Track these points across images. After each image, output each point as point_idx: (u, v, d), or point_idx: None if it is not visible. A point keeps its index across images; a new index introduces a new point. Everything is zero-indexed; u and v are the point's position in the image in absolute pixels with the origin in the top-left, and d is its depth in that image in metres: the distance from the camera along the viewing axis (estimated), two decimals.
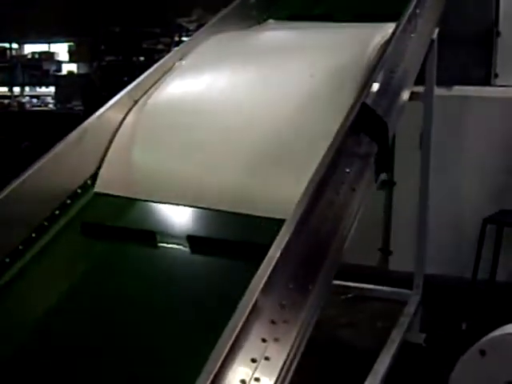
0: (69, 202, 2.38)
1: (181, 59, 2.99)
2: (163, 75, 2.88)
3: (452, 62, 4.57)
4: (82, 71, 11.26)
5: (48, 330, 1.93)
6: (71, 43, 11.32)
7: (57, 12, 10.51)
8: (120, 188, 2.45)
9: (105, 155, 2.55)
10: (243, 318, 1.46)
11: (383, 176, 3.43)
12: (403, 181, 4.74)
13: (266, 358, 1.47)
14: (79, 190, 2.43)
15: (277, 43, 3.16)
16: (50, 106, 10.51)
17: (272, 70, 2.78)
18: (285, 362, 1.49)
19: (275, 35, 3.31)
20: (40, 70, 11.51)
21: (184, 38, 9.05)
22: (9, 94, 11.59)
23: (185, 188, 2.39)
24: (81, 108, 9.43)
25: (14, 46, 11.86)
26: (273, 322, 1.55)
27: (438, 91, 4.11)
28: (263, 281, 1.56)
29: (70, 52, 11.42)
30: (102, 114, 2.58)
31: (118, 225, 2.34)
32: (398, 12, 2.83)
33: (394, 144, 4.34)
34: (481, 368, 2.42)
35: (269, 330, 1.52)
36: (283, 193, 2.19)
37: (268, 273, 1.58)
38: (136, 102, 2.73)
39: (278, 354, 1.49)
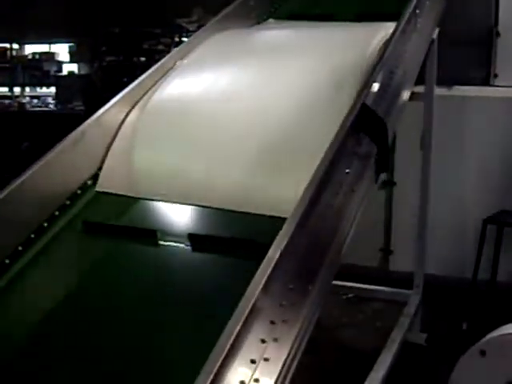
0: (70, 201, 2.39)
1: (182, 58, 3.00)
2: (164, 75, 2.88)
3: (452, 62, 4.57)
4: (82, 71, 11.26)
5: (51, 327, 1.94)
6: (72, 44, 11.32)
7: (57, 12, 10.51)
8: (121, 187, 2.46)
9: (106, 154, 2.56)
10: (242, 319, 1.46)
11: (384, 176, 3.42)
12: (404, 181, 4.74)
13: (266, 359, 1.47)
14: (80, 189, 2.44)
15: (277, 43, 3.16)
16: (51, 106, 10.49)
17: (272, 69, 2.79)
18: (284, 363, 1.49)
19: (275, 34, 3.32)
20: (40, 70, 11.51)
21: (184, 39, 9.05)
22: (9, 94, 11.59)
23: (186, 187, 2.40)
24: (81, 108, 9.41)
25: (15, 46, 11.85)
26: (272, 323, 1.55)
27: (439, 91, 4.10)
28: (263, 281, 1.56)
29: (70, 52, 11.43)
30: (103, 114, 2.58)
31: (119, 223, 2.35)
32: (398, 12, 2.83)
33: (394, 144, 4.34)
34: (481, 368, 2.42)
35: (268, 331, 1.52)
36: (284, 191, 2.20)
37: (267, 273, 1.58)
38: (137, 101, 2.73)
39: (278, 355, 1.49)
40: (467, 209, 4.73)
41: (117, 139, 2.59)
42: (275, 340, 1.51)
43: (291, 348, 1.53)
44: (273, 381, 1.45)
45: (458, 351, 2.53)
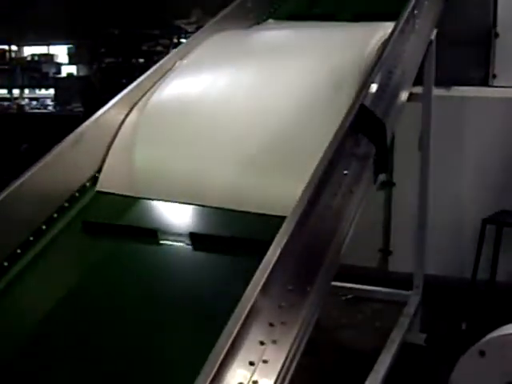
0: (70, 202, 2.39)
1: (181, 59, 3.00)
2: (163, 76, 2.89)
3: (451, 62, 4.57)
4: (81, 73, 11.25)
5: (51, 327, 1.94)
6: (71, 45, 11.32)
7: (56, 14, 10.51)
8: (121, 187, 2.47)
9: (106, 154, 2.56)
10: (241, 321, 1.46)
11: (383, 177, 3.43)
12: (403, 181, 4.74)
13: (265, 361, 1.47)
14: (81, 190, 2.45)
15: (276, 43, 3.17)
16: (50, 108, 10.49)
17: (271, 70, 2.80)
18: (283, 365, 1.49)
19: (275, 35, 3.32)
20: (39, 72, 11.50)
21: (183, 40, 9.05)
22: (8, 96, 11.59)
23: (186, 186, 2.41)
24: (80, 110, 9.41)
25: (14, 48, 11.86)
26: (271, 325, 1.55)
27: (437, 92, 4.11)
28: (261, 283, 1.55)
29: (69, 54, 11.42)
30: (103, 114, 2.59)
31: (120, 223, 2.35)
32: (397, 11, 2.84)
33: (393, 145, 4.35)
34: (481, 368, 2.42)
35: (267, 333, 1.52)
36: (283, 190, 2.20)
37: (266, 275, 1.57)
38: (137, 102, 2.74)
39: (277, 357, 1.49)
40: (466, 209, 4.73)
41: (117, 139, 2.60)
42: (274, 342, 1.51)
43: (290, 350, 1.53)
44: (272, 382, 1.44)
45: (457, 351, 2.53)
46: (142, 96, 2.77)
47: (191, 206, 2.37)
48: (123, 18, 10.17)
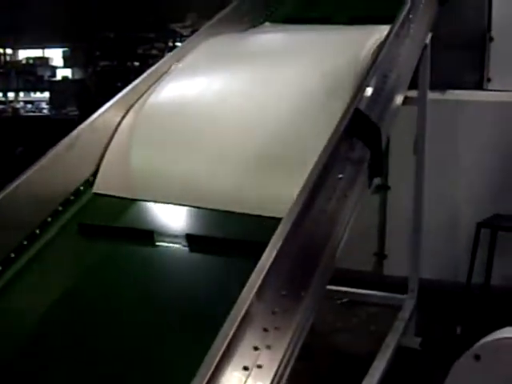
0: (66, 204, 2.39)
1: (178, 61, 3.01)
2: (159, 79, 2.89)
3: (446, 66, 4.58)
4: (76, 76, 11.23)
5: (48, 327, 1.94)
6: (66, 48, 11.31)
7: (51, 17, 10.49)
8: (118, 188, 2.48)
9: (102, 157, 2.57)
10: (235, 326, 1.46)
11: (377, 181, 3.43)
12: (398, 185, 4.74)
13: (259, 366, 1.46)
14: (77, 192, 2.45)
15: (271, 46, 3.18)
16: (45, 111, 10.47)
17: (267, 73, 2.81)
18: (277, 370, 1.48)
19: (271, 38, 3.33)
20: (34, 75, 11.48)
21: (178, 44, 9.05)
22: (3, 99, 11.56)
23: (182, 188, 2.42)
24: (76, 113, 9.39)
25: (9, 51, 11.83)
26: (265, 330, 1.54)
27: (432, 95, 4.12)
28: (255, 288, 1.55)
29: (64, 57, 11.39)
30: (98, 117, 2.60)
31: (116, 225, 2.36)
32: (393, 15, 2.84)
33: (388, 148, 4.35)
34: (475, 372, 2.41)
35: (261, 338, 1.52)
36: (279, 192, 2.21)
37: (260, 280, 1.57)
38: (132, 105, 2.74)
39: (271, 362, 1.49)
40: (461, 213, 4.74)
41: (113, 141, 2.61)
42: (268, 347, 1.51)
43: (284, 355, 1.53)
44: None
45: (452, 355, 2.52)
46: (138, 99, 2.78)
47: (187, 208, 2.38)
48: (118, 21, 10.17)
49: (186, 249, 2.19)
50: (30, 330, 1.94)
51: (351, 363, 3.72)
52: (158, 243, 2.22)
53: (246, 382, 1.42)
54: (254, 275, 1.59)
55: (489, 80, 4.80)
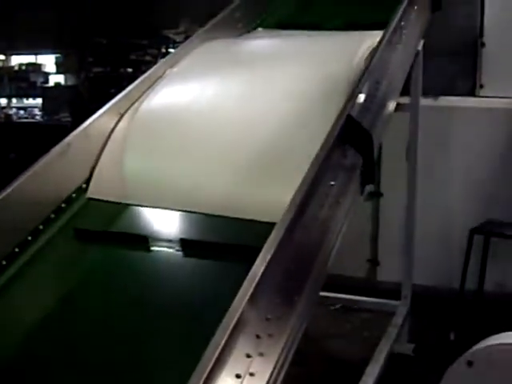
0: (62, 208, 2.39)
1: (171, 67, 3.01)
2: (152, 85, 2.89)
3: (438, 72, 4.60)
4: (69, 83, 11.22)
5: (42, 335, 1.93)
6: (58, 55, 11.30)
7: (44, 23, 10.48)
8: (112, 194, 2.48)
9: (95, 163, 2.57)
10: (228, 333, 1.45)
11: (370, 187, 3.43)
12: (390, 192, 4.75)
13: (251, 374, 1.46)
14: (70, 198, 2.45)
15: (264, 52, 3.19)
16: (38, 117, 10.45)
17: (260, 78, 2.81)
18: (270, 377, 1.48)
19: (263, 44, 3.34)
20: (27, 81, 11.47)
21: (171, 50, 9.05)
22: None
23: (176, 193, 2.42)
24: (68, 120, 9.38)
25: (1, 57, 11.81)
26: (258, 337, 1.54)
27: (424, 102, 4.13)
28: (248, 295, 1.55)
29: (57, 63, 11.38)
30: (91, 124, 2.59)
31: (111, 230, 2.36)
32: (386, 21, 2.85)
33: (380, 155, 4.35)
34: (468, 378, 2.41)
35: (254, 345, 1.51)
36: (272, 197, 2.22)
37: (252, 287, 1.57)
38: (126, 111, 2.74)
39: (264, 369, 1.48)
40: (454, 219, 4.75)
41: (107, 146, 2.61)
42: (261, 354, 1.51)
43: (277, 362, 1.52)
44: None
45: (445, 361, 2.52)
46: (131, 105, 2.78)
47: (181, 213, 2.39)
48: (111, 27, 10.17)
49: (181, 253, 2.20)
50: (23, 336, 1.93)
51: (344, 369, 3.71)
52: (152, 248, 2.22)
53: None
54: (246, 282, 1.59)
55: (481, 86, 4.82)
